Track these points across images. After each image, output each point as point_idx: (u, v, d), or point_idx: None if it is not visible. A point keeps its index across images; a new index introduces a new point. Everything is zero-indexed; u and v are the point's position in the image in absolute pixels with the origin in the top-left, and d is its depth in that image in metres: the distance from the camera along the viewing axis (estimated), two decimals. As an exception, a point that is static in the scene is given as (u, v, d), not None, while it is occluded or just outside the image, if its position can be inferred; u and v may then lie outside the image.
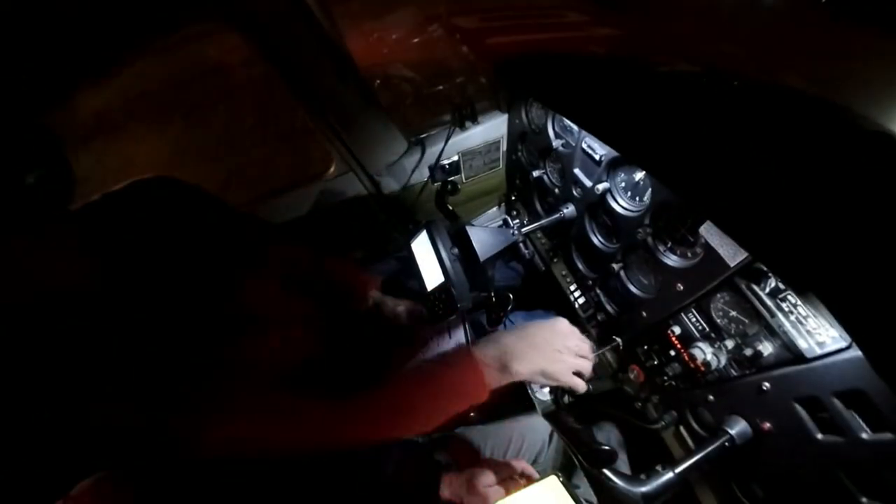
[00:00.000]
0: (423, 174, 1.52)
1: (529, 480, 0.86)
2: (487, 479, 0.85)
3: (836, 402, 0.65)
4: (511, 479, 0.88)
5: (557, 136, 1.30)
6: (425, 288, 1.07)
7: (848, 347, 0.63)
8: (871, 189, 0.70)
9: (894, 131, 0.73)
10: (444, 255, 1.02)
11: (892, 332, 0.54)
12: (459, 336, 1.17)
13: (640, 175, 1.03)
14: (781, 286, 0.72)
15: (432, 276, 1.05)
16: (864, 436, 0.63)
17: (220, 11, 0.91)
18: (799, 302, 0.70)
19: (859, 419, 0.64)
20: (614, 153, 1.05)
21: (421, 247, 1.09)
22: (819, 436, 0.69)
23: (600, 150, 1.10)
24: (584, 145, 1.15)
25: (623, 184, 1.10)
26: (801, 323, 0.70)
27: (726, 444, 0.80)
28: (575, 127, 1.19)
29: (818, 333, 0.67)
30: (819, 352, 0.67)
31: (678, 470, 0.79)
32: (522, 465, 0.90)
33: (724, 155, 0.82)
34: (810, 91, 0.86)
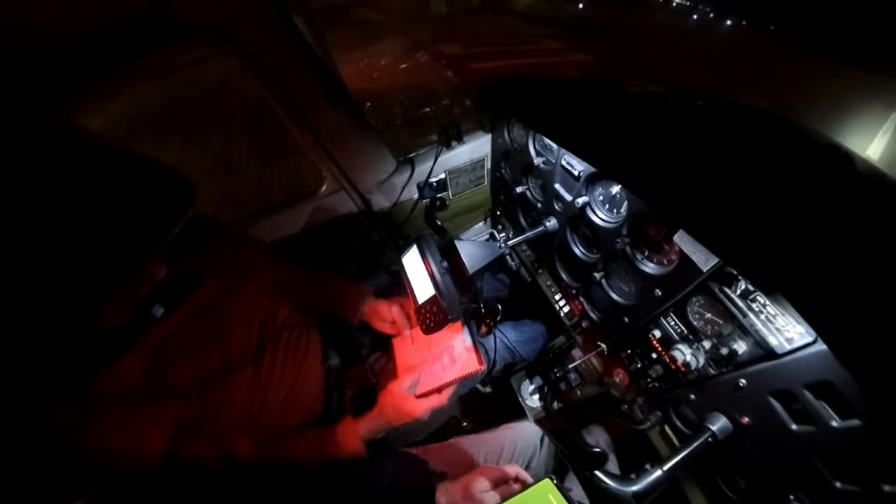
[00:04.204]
0: (413, 192, 1.54)
1: (524, 485, 0.86)
2: (482, 484, 0.84)
3: (807, 393, 0.67)
4: (505, 483, 0.87)
5: (538, 153, 1.33)
6: (416, 301, 1.07)
7: (814, 342, 0.65)
8: (825, 196, 0.74)
9: (842, 144, 0.78)
10: (434, 268, 1.01)
11: (852, 325, 0.57)
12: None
13: (616, 189, 1.06)
14: (751, 288, 0.75)
15: (423, 289, 1.05)
16: (834, 424, 0.65)
17: (221, 39, 0.93)
18: (767, 302, 0.73)
19: (829, 408, 0.66)
20: (592, 169, 1.08)
21: (411, 261, 1.09)
22: (794, 427, 0.71)
23: (579, 167, 1.13)
24: (564, 162, 1.17)
25: (601, 197, 1.12)
26: (770, 321, 0.72)
27: (709, 439, 0.81)
28: (554, 145, 1.21)
29: (786, 330, 0.70)
30: (788, 347, 0.69)
31: (666, 467, 0.79)
32: (516, 469, 0.89)
33: (692, 168, 0.86)
34: (766, 108, 0.91)
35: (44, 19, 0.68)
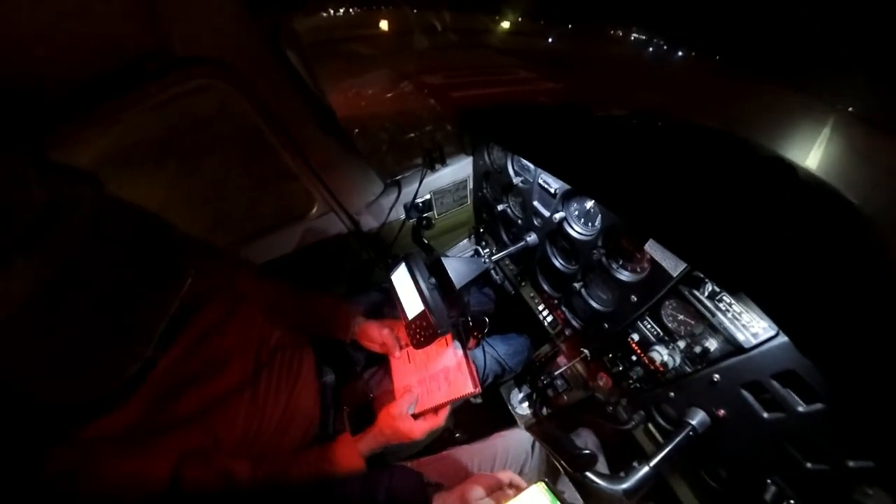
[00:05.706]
0: (400, 212, 1.56)
1: (518, 490, 0.85)
2: (477, 492, 0.83)
3: (775, 383, 0.71)
4: (500, 490, 0.86)
5: (517, 173, 1.37)
6: (406, 316, 1.07)
7: (777, 335, 0.69)
8: (774, 202, 0.80)
9: (784, 156, 0.85)
10: (422, 284, 1.02)
11: (807, 316, 0.61)
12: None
13: (590, 204, 1.10)
14: (717, 289, 0.79)
15: (412, 305, 1.05)
16: (801, 409, 0.68)
17: (217, 70, 0.95)
18: (732, 301, 0.77)
19: (795, 395, 0.69)
20: (567, 186, 1.12)
21: (400, 278, 1.10)
22: (765, 415, 0.74)
23: (554, 184, 1.17)
24: (541, 181, 1.22)
25: (576, 212, 1.16)
26: (736, 319, 0.76)
27: (690, 433, 0.84)
28: (531, 165, 1.26)
29: (751, 326, 0.74)
30: (754, 342, 0.73)
31: (652, 463, 0.81)
32: (510, 475, 0.88)
33: (656, 182, 0.91)
34: (717, 127, 0.98)
35: (47, 51, 0.68)
